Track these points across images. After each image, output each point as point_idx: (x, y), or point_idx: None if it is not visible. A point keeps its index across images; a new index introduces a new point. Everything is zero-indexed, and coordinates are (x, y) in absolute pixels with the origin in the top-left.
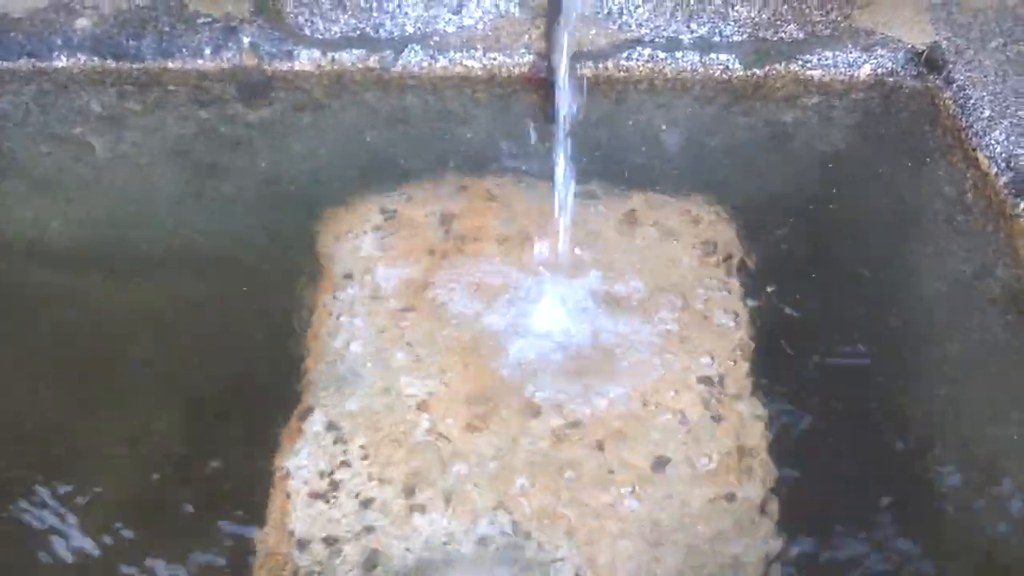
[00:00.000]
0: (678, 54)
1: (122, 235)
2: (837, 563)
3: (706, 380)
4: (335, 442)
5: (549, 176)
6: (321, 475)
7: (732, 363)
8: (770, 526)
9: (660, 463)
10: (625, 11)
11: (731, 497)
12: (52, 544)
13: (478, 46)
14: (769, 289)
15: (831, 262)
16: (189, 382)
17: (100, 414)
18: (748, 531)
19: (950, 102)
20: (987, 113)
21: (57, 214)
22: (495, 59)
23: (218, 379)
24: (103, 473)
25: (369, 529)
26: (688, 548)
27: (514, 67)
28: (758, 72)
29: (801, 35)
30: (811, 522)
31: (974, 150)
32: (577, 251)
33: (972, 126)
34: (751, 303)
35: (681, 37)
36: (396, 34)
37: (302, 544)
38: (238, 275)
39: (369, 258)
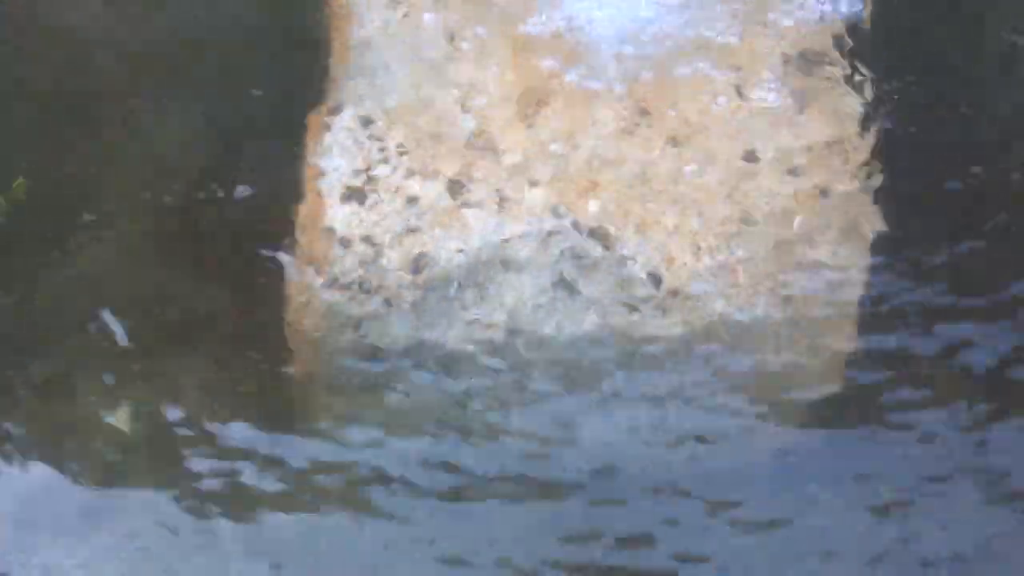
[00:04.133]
0: None
1: None
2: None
3: (800, 57)
4: (370, 138)
5: None
6: (357, 173)
7: (828, 39)
8: (866, 220)
9: (744, 155)
10: None
11: (825, 192)
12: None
13: None
14: None
15: None
16: (206, 90)
17: (114, 131)
18: (843, 228)
19: None
20: None
21: None
22: None
23: (235, 83)
24: (134, 185)
25: (414, 230)
26: (776, 243)
27: None
28: None
29: None
30: (913, 222)
31: None
32: None
33: None
34: None
35: None
36: None
37: (340, 246)
38: None
39: None
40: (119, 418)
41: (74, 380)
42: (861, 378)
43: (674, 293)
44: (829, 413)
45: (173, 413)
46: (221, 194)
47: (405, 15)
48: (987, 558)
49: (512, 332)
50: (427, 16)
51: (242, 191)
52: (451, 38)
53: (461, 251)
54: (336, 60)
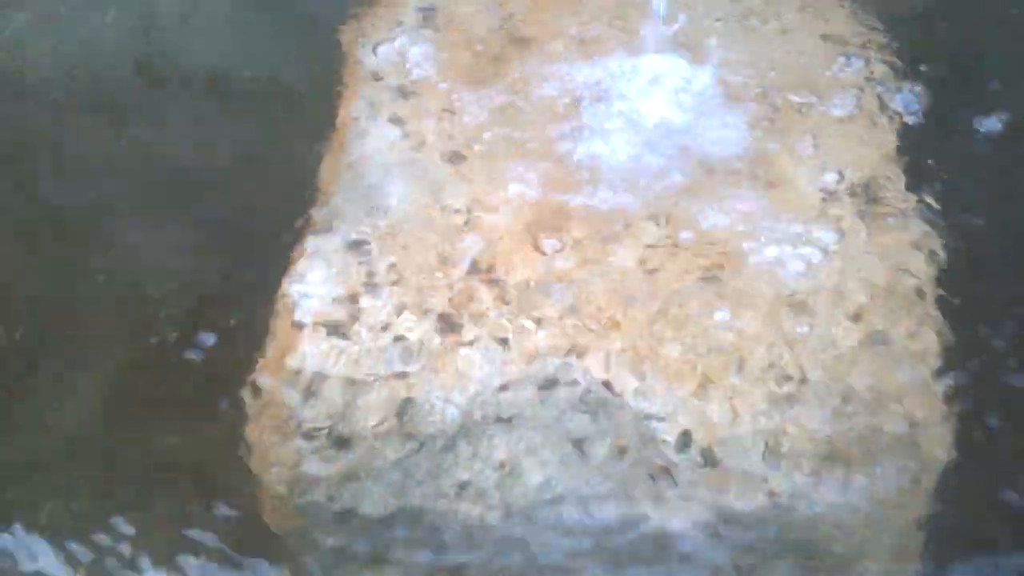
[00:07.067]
0: None
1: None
2: None
3: (851, 192)
4: (359, 263)
5: None
6: (337, 303)
7: (881, 169)
8: (933, 371)
9: (792, 297)
10: None
11: (886, 339)
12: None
13: None
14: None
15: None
16: (187, 204)
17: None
18: (910, 380)
19: None
20: None
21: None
22: None
23: (222, 201)
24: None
25: (400, 374)
26: (834, 394)
27: None
28: None
29: None
30: (990, 362)
31: None
32: (675, 42)
33: None
34: (898, 98)
35: None
36: None
37: (311, 389)
38: (247, 85)
39: (405, 60)
40: None
41: None
42: None
43: (709, 461)
44: None
45: None
46: (195, 334)
47: (407, 134)
48: None
49: (511, 501)
50: (431, 135)
51: (214, 326)
52: (461, 157)
53: (450, 401)
54: (331, 182)
